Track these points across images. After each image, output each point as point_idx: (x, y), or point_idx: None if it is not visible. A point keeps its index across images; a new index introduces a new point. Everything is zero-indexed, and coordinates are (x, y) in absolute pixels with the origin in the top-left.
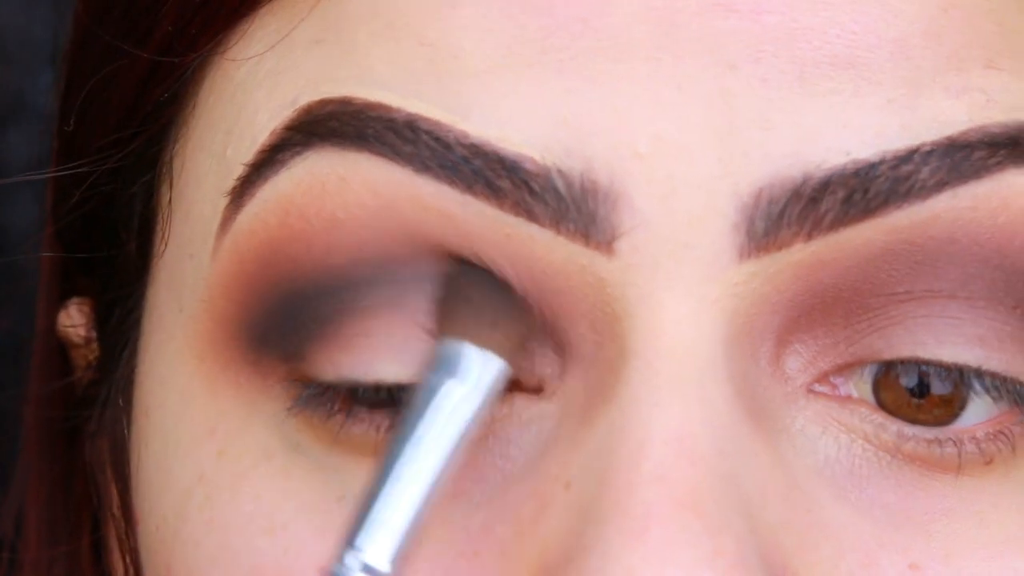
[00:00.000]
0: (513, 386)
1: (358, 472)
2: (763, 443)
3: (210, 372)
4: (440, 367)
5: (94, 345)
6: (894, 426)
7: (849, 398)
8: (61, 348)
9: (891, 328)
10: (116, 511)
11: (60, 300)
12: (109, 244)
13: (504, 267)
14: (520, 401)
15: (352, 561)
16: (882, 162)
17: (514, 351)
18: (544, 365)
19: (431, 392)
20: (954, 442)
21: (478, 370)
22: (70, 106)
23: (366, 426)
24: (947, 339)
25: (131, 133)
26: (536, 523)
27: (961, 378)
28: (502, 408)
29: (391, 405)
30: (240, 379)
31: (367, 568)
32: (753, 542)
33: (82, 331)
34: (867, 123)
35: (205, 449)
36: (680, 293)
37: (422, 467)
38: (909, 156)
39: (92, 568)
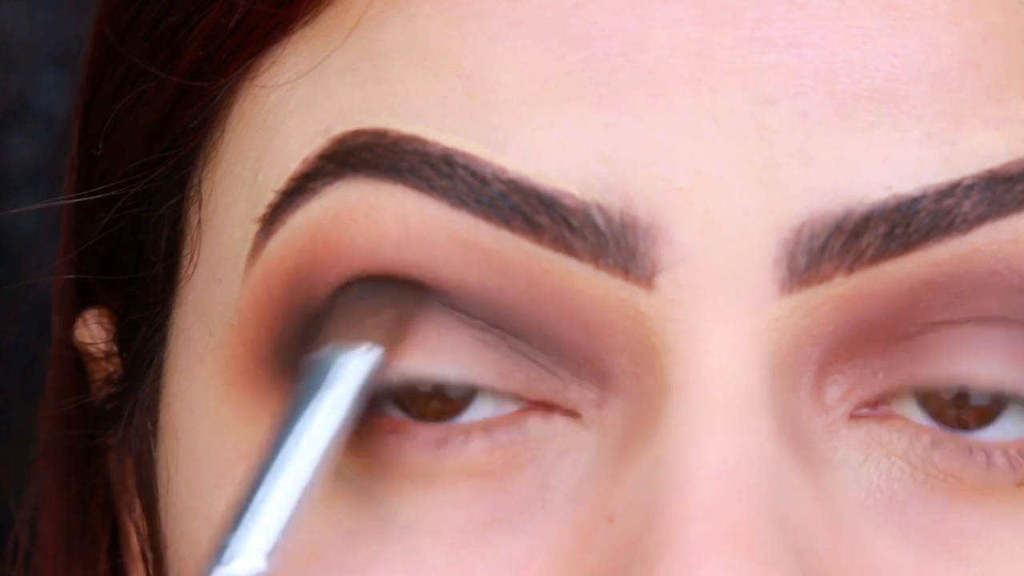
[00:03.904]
0: (551, 406)
1: (402, 499)
2: (806, 476)
3: (241, 397)
4: (305, 379)
5: (115, 359)
6: (927, 435)
7: (889, 415)
8: (77, 360)
9: (929, 355)
10: (142, 527)
11: (77, 310)
12: (135, 264)
13: (539, 301)
14: (558, 424)
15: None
16: (924, 197)
17: (392, 331)
18: (582, 393)
19: (301, 401)
20: (985, 452)
21: (343, 372)
22: (93, 128)
23: (410, 447)
24: (985, 362)
25: (158, 157)
26: (579, 556)
27: (1000, 397)
28: (541, 428)
29: (437, 416)
30: (273, 405)
31: None
32: (803, 572)
33: (101, 344)
34: (908, 158)
35: (238, 476)
36: (721, 327)
37: (291, 481)
38: (951, 190)
39: None
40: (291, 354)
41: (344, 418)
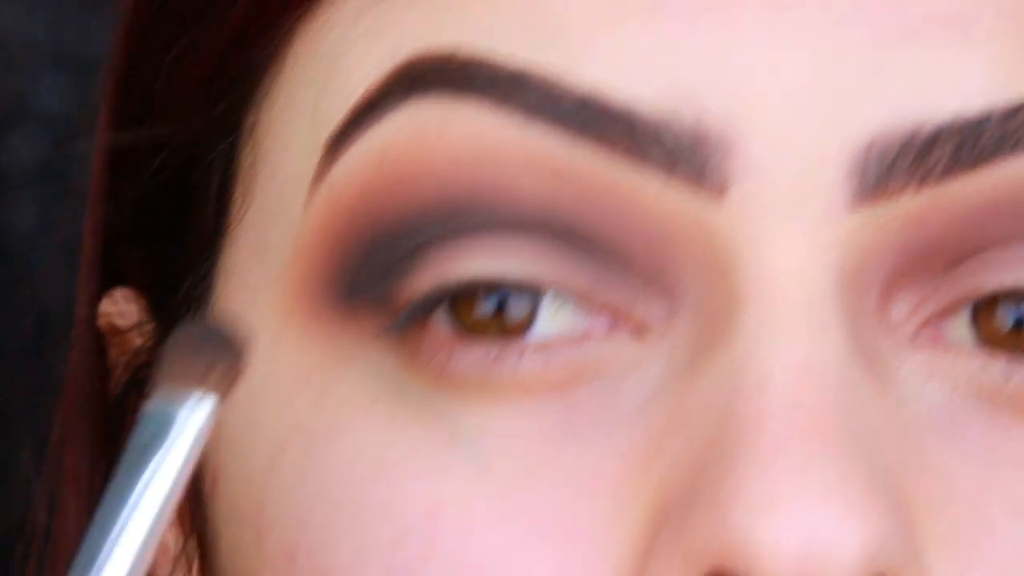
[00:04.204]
0: (616, 320)
1: (466, 413)
2: (876, 387)
3: (300, 325)
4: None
5: (146, 327)
6: (997, 364)
7: (952, 345)
8: (99, 339)
9: (990, 269)
10: None
11: (103, 289)
12: (183, 212)
13: (609, 215)
14: (622, 341)
15: None
16: (990, 116)
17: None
18: (649, 307)
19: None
20: None
21: (180, 425)
22: (149, 72)
23: (472, 359)
24: None
25: (213, 99)
26: (651, 462)
27: None
28: (605, 348)
29: (498, 332)
30: (333, 330)
31: None
32: (881, 472)
33: (131, 316)
34: (975, 78)
35: (299, 400)
36: (792, 240)
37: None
38: (1015, 111)
39: None
40: (353, 279)
41: (181, 472)
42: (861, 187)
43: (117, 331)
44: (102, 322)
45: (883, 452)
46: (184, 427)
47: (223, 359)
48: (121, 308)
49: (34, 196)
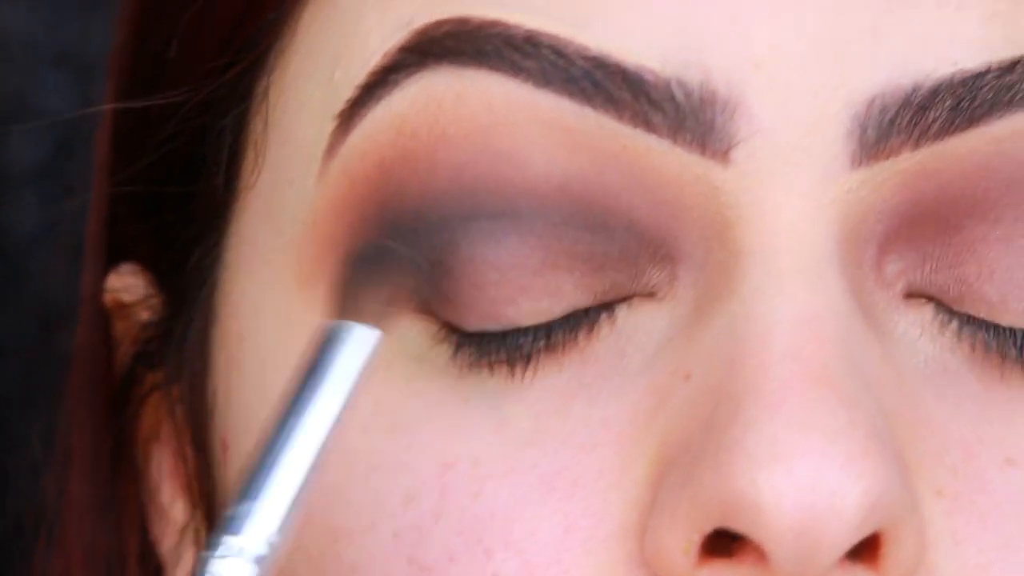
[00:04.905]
0: (626, 294)
1: (483, 377)
2: (873, 340)
3: (314, 295)
4: (312, 351)
5: (153, 300)
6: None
7: (936, 300)
8: (105, 317)
9: (970, 267)
10: (187, 451)
11: (109, 264)
12: (192, 180)
13: (618, 181)
14: (635, 303)
15: (229, 547)
16: (988, 72)
17: (399, 305)
18: (653, 274)
19: (309, 376)
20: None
21: (352, 348)
22: (162, 35)
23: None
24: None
25: (226, 63)
26: (655, 415)
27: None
28: (618, 309)
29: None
30: None
31: (243, 552)
32: (881, 421)
33: (137, 290)
34: (973, 35)
35: None
36: (794, 197)
37: (302, 450)
38: (1012, 66)
39: (139, 541)
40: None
41: (348, 399)
42: (862, 145)
43: (123, 306)
44: (108, 298)
45: (882, 402)
46: (354, 355)
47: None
48: (128, 282)
49: (34, 196)
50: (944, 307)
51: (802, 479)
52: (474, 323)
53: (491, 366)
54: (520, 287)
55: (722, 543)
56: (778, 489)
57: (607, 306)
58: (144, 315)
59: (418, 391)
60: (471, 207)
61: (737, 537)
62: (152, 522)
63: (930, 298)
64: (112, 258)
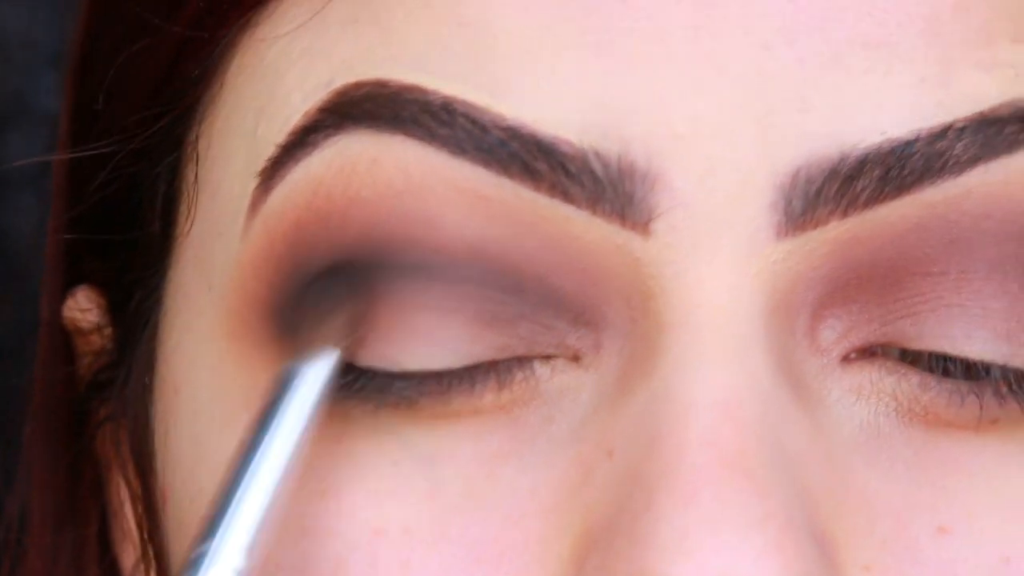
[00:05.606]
0: (542, 352)
1: (411, 432)
2: (802, 412)
3: (242, 350)
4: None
5: (106, 331)
6: (916, 376)
7: (877, 355)
8: (65, 337)
9: (922, 314)
10: (135, 491)
11: (66, 288)
12: (130, 225)
13: (536, 249)
14: (560, 366)
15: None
16: (917, 140)
17: (350, 331)
18: (579, 339)
19: (269, 411)
20: (961, 394)
21: (306, 380)
22: (91, 84)
23: (417, 392)
24: (976, 333)
25: (157, 112)
26: (580, 490)
27: (985, 373)
28: (543, 370)
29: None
30: (274, 357)
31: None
32: (799, 506)
33: (92, 316)
34: (901, 102)
35: (242, 423)
36: (717, 270)
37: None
38: (943, 133)
39: (98, 556)
40: (291, 309)
41: (308, 422)
42: (787, 216)
43: (81, 331)
44: (67, 321)
45: (805, 480)
46: (312, 382)
47: (348, 311)
48: (84, 307)
49: (34, 196)
50: (893, 356)
51: (714, 571)
52: (366, 361)
53: (427, 421)
54: (424, 334)
55: None
56: None
57: (520, 360)
58: (98, 342)
59: (346, 454)
60: (380, 258)
61: None
62: (115, 540)
63: (885, 345)
64: (75, 278)
